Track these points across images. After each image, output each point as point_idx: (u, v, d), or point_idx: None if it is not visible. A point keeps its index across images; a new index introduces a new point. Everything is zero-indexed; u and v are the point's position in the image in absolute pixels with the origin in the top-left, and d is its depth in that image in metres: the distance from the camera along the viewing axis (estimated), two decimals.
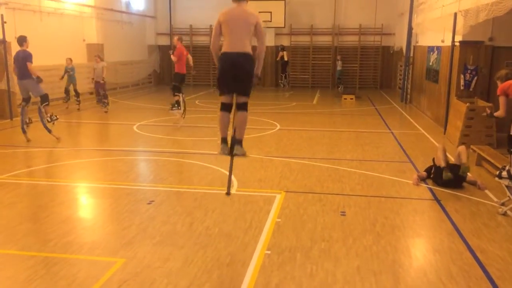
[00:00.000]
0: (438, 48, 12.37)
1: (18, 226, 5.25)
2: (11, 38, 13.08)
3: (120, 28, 19.82)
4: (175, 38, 11.72)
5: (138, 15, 21.56)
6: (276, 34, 22.19)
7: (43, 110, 9.73)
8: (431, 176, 7.05)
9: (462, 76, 10.53)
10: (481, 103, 9.81)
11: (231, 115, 4.90)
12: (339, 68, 21.30)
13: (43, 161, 8.24)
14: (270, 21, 21.00)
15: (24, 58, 9.29)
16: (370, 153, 9.04)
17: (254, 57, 4.76)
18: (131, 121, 12.28)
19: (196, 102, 16.53)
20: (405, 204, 6.11)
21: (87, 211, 5.99)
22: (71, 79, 14.40)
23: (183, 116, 11.79)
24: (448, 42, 10.85)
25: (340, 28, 21.94)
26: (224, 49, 4.76)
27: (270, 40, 22.34)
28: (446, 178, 6.58)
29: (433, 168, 7.04)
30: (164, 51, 23.42)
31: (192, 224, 5.35)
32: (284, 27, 21.41)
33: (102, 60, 14.48)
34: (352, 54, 22.22)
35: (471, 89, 10.50)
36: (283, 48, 21.29)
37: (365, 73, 22.41)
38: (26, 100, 9.68)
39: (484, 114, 6.96)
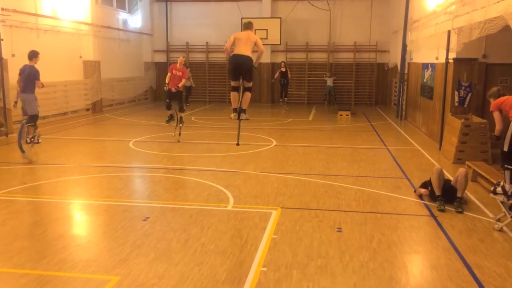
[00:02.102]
0: (433, 65, 12.49)
1: (12, 244, 5.20)
2: (8, 55, 13.14)
3: (117, 45, 19.95)
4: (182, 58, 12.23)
5: (135, 33, 21.73)
6: (272, 51, 22.39)
7: (25, 129, 9.44)
8: (428, 189, 7.01)
9: (456, 92, 10.62)
10: (475, 119, 9.88)
11: (239, 95, 7.52)
12: (329, 84, 21.38)
13: (38, 177, 8.20)
14: (266, 39, 21.16)
15: (31, 74, 9.29)
16: (366, 169, 9.04)
17: (253, 59, 7.40)
18: (127, 138, 12.27)
19: (192, 118, 16.55)
20: (402, 220, 6.10)
21: (82, 228, 5.94)
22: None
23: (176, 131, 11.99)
24: (442, 59, 10.97)
25: (335, 45, 22.16)
26: (234, 52, 7.40)
27: (266, 57, 22.50)
28: (440, 210, 6.50)
29: (430, 187, 6.96)
30: (160, 68, 23.59)
31: (188, 240, 5.31)
32: (280, 44, 21.60)
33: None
34: (347, 71, 22.40)
35: (465, 106, 10.58)
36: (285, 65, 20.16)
37: (361, 89, 22.57)
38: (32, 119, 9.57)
39: (491, 139, 6.86)
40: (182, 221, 5.98)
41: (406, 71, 16.58)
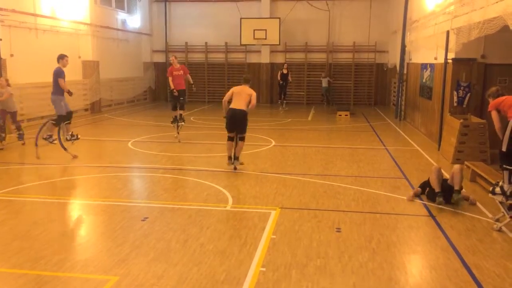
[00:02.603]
0: (431, 65, 12.50)
1: (10, 244, 5.19)
2: (7, 55, 13.13)
3: (116, 45, 19.94)
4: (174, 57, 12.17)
5: (134, 33, 21.72)
6: (271, 52, 22.41)
7: (47, 125, 9.76)
8: (426, 193, 7.04)
9: (455, 92, 10.63)
10: (474, 119, 9.89)
11: (234, 143, 8.68)
12: (324, 85, 21.33)
13: (36, 178, 8.18)
14: (265, 39, 21.20)
15: (55, 74, 9.50)
16: (365, 169, 9.05)
17: (247, 111, 8.60)
18: (126, 138, 12.26)
19: (191, 118, 16.53)
20: (401, 220, 6.10)
21: (81, 228, 5.93)
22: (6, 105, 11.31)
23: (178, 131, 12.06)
24: (441, 60, 10.98)
25: (334, 46, 22.18)
26: (231, 106, 8.56)
27: (265, 57, 22.58)
28: (439, 204, 6.55)
29: (428, 187, 7.00)
30: (159, 68, 23.59)
31: (187, 241, 5.31)
32: (279, 44, 21.61)
33: (9, 85, 11.44)
34: (347, 71, 22.42)
35: (464, 106, 10.59)
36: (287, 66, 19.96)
37: (360, 90, 22.59)
38: (66, 117, 9.80)
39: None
40: (181, 221, 5.97)
41: (405, 71, 16.59)
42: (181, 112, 12.07)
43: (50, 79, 14.71)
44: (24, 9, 14.07)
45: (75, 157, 9.78)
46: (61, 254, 4.92)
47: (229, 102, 8.64)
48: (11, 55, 13.42)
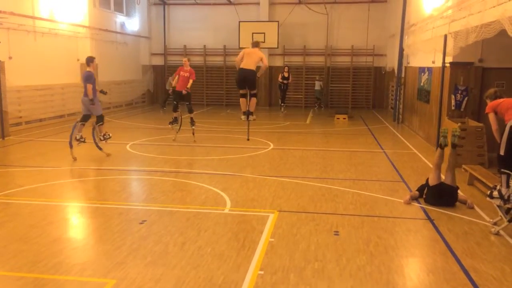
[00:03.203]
0: (429, 69, 12.54)
1: (8, 246, 5.18)
2: (5, 58, 13.13)
3: (115, 48, 19.95)
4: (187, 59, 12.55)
5: (133, 36, 21.73)
6: (270, 55, 22.42)
7: (97, 129, 10.26)
8: (424, 196, 7.06)
9: (453, 96, 10.66)
10: (472, 123, 9.91)
11: (247, 100, 9.84)
12: (317, 88, 21.37)
13: (35, 180, 8.17)
14: (264, 42, 21.20)
15: (85, 78, 9.77)
16: (363, 172, 9.06)
17: (257, 70, 9.53)
18: (124, 140, 12.25)
19: (188, 121, 16.49)
20: (399, 224, 6.11)
21: (78, 231, 5.92)
22: None
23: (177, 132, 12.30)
24: (438, 63, 11.02)
25: (332, 49, 22.23)
26: (241, 66, 9.46)
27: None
28: (446, 142, 7.06)
29: (426, 188, 7.05)
30: (158, 71, 23.61)
31: (185, 244, 5.31)
32: (278, 47, 21.64)
33: None
34: (345, 75, 22.46)
35: (462, 109, 10.62)
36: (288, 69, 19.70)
37: (358, 93, 22.63)
38: (84, 118, 10.12)
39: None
40: (179, 224, 5.97)
41: (403, 75, 16.63)
42: (191, 115, 12.25)
43: (48, 81, 14.83)
44: (22, 12, 14.07)
45: (108, 155, 10.23)
46: (59, 257, 4.91)
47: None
48: (10, 58, 13.43)
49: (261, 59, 9.43)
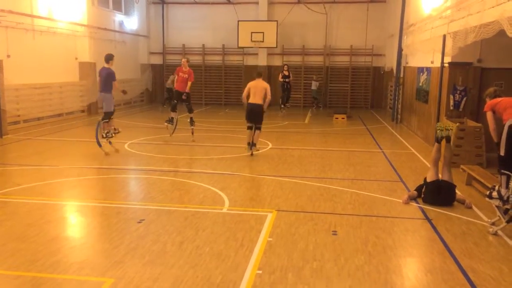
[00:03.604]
0: (428, 69, 12.55)
1: (5, 245, 5.16)
2: (3, 56, 13.10)
3: (113, 47, 19.89)
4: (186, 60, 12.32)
5: (132, 34, 21.70)
6: (269, 54, 22.44)
7: (101, 125, 10.37)
8: (422, 195, 7.07)
9: (451, 96, 10.67)
10: (470, 123, 9.93)
11: (252, 132, 10.21)
12: (313, 87, 21.30)
13: (33, 179, 8.15)
14: (263, 41, 21.23)
15: (109, 76, 10.14)
16: (362, 172, 9.06)
17: (263, 103, 10.10)
18: (123, 139, 12.22)
19: (188, 120, 16.50)
20: (397, 223, 6.11)
21: (76, 230, 5.91)
22: None
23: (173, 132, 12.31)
24: (437, 63, 11.02)
25: (331, 49, 22.23)
26: (249, 101, 10.06)
27: (262, 60, 22.60)
28: (442, 134, 7.15)
29: (424, 187, 7.07)
30: (156, 70, 23.58)
31: (183, 243, 5.30)
32: (276, 47, 21.62)
33: None
34: (344, 74, 22.46)
35: (460, 109, 10.62)
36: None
37: (357, 93, 22.64)
38: (106, 114, 10.36)
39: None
40: (177, 224, 5.96)
41: (401, 75, 16.64)
42: (190, 115, 12.23)
43: (46, 80, 14.80)
44: (21, 10, 14.04)
45: (107, 154, 10.21)
46: (57, 255, 4.90)
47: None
48: (8, 56, 13.39)
49: (266, 90, 9.97)
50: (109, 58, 10.29)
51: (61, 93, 16.27)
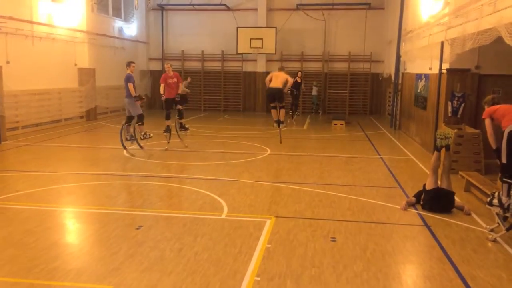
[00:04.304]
0: (426, 75, 12.59)
1: (4, 252, 5.15)
2: (3, 62, 13.12)
3: (113, 53, 19.96)
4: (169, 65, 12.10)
5: (131, 41, 21.75)
6: (267, 60, 22.49)
7: (137, 128, 11.04)
8: (421, 202, 7.07)
9: (449, 103, 10.69)
10: (468, 129, 9.94)
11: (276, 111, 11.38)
12: (314, 93, 21.33)
13: (31, 185, 8.14)
14: (261, 48, 21.30)
15: (125, 79, 10.71)
16: (360, 178, 9.06)
17: (283, 87, 11.20)
18: (119, 145, 12.21)
19: (186, 126, 16.49)
20: (396, 230, 6.11)
21: (74, 237, 5.89)
22: None
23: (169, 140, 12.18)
24: (435, 70, 11.06)
25: (330, 55, 22.29)
26: (270, 85, 11.13)
27: (261, 66, 22.65)
28: (442, 143, 7.18)
29: (423, 194, 7.07)
30: (155, 76, 23.58)
31: (181, 250, 5.29)
32: (275, 53, 21.69)
33: None
34: (342, 81, 22.51)
35: (458, 116, 10.64)
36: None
37: (355, 99, 22.67)
38: (128, 119, 10.93)
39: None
40: (175, 230, 5.95)
41: (400, 81, 16.68)
42: (181, 121, 12.16)
43: (45, 86, 14.86)
44: (21, 16, 14.07)
45: (132, 155, 10.70)
46: (55, 262, 4.88)
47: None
48: (7, 62, 13.41)
49: (287, 79, 11.25)
50: (127, 64, 10.94)
51: (60, 99, 16.27)
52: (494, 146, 5.93)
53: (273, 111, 11.60)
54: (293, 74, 22.02)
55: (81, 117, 17.69)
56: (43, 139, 13.27)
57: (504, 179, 5.68)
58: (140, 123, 10.98)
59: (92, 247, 5.45)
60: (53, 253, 5.15)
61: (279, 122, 11.64)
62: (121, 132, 10.88)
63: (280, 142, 12.21)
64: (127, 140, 10.90)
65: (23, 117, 14.26)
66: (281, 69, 11.83)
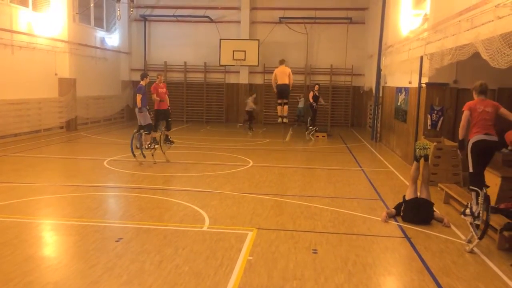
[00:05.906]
0: (406, 89, 12.80)
1: None
2: None
3: (94, 63, 19.81)
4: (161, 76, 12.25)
5: (113, 51, 21.63)
6: (250, 72, 22.60)
7: (143, 137, 11.13)
8: (401, 214, 7.14)
9: (429, 116, 10.88)
10: (447, 142, 10.12)
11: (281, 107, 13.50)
12: (300, 105, 21.43)
13: (8, 196, 7.96)
14: (244, 60, 21.40)
15: (136, 90, 11.03)
16: (342, 190, 9.12)
17: (289, 84, 13.68)
18: (102, 156, 12.09)
19: (171, 140, 16.39)
20: (376, 242, 6.14)
21: (52, 249, 5.77)
22: None
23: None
24: (415, 84, 11.26)
25: (312, 68, 22.52)
26: (278, 83, 13.45)
27: (243, 78, 22.74)
28: (421, 154, 7.29)
29: (403, 205, 7.15)
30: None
31: (162, 262, 5.22)
32: (258, 65, 21.82)
33: None
34: (324, 93, 22.58)
35: (437, 129, 10.84)
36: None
37: (337, 111, 22.90)
38: (140, 127, 11.12)
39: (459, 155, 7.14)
40: (156, 242, 5.88)
41: (380, 94, 16.92)
42: (167, 133, 12.01)
43: (24, 95, 14.65)
44: (0, 25, 13.89)
45: (140, 163, 11.03)
46: (31, 275, 4.77)
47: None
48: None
49: (289, 74, 12.81)
50: (142, 76, 11.24)
51: (39, 109, 16.04)
52: (460, 137, 6.05)
53: (279, 107, 13.18)
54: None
55: (61, 127, 17.45)
56: (21, 149, 13.03)
57: (471, 187, 5.81)
58: (147, 132, 11.08)
59: (71, 260, 5.34)
60: (30, 266, 5.03)
61: (283, 117, 13.21)
62: (132, 140, 11.15)
63: (285, 140, 13.51)
64: (146, 148, 11.18)
65: (1, 127, 14.00)
66: (282, 61, 13.08)
